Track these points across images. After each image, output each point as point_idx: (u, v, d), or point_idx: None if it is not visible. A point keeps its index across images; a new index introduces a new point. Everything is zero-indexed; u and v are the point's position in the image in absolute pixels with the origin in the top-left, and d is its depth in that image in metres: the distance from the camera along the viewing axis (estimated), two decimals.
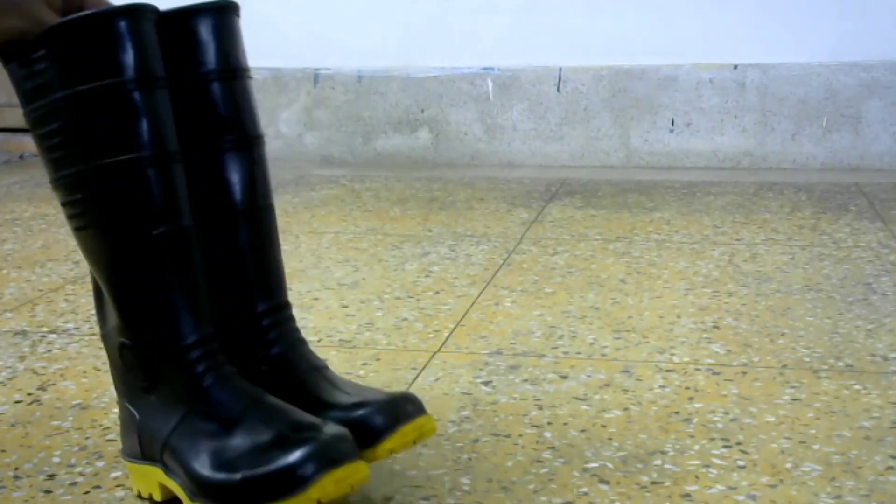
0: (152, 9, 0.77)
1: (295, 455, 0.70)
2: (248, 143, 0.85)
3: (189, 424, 0.77)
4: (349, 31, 2.55)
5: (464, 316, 1.32)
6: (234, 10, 0.85)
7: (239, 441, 0.74)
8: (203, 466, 0.74)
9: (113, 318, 0.81)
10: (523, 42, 2.45)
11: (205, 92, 0.83)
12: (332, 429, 0.74)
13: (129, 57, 0.75)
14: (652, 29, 2.38)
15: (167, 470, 0.79)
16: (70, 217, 0.79)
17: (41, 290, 1.48)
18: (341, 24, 2.55)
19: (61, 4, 0.78)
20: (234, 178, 0.85)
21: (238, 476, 0.72)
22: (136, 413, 0.82)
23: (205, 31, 0.83)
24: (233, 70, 0.84)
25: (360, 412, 0.80)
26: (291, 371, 0.85)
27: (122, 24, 0.74)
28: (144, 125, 0.75)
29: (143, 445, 0.81)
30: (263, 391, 0.79)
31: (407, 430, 0.80)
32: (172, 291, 0.77)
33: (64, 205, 0.78)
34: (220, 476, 0.73)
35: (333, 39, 2.56)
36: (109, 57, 0.74)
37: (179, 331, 0.78)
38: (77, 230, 0.79)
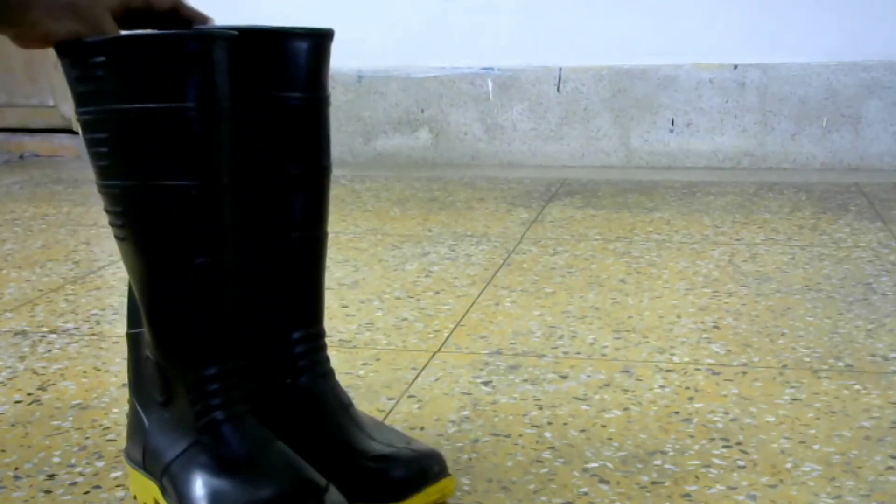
0: (228, 35, 0.74)
1: None
2: (320, 172, 0.84)
3: (193, 455, 0.76)
4: (349, 31, 2.55)
5: (464, 316, 1.32)
6: (330, 37, 0.84)
7: (238, 488, 0.74)
8: None
9: (144, 326, 0.80)
10: (523, 42, 2.45)
11: (291, 117, 0.82)
12: (332, 497, 0.73)
13: (196, 84, 0.72)
14: (652, 29, 2.38)
15: (164, 492, 0.79)
16: (111, 224, 0.77)
17: (41, 290, 1.48)
18: (341, 24, 2.55)
19: (121, 10, 0.76)
20: (301, 206, 0.83)
21: None
22: (146, 421, 0.81)
23: (301, 55, 0.82)
24: (321, 99, 0.83)
25: (388, 466, 0.80)
26: (318, 405, 0.85)
27: (195, 48, 0.72)
28: (202, 154, 0.73)
29: (147, 458, 0.81)
30: (273, 436, 0.79)
31: (431, 491, 0.81)
32: (202, 321, 0.76)
33: (106, 211, 0.77)
34: None
35: (333, 39, 2.56)
36: (176, 80, 0.72)
37: (201, 360, 0.77)
38: (117, 238, 0.78)
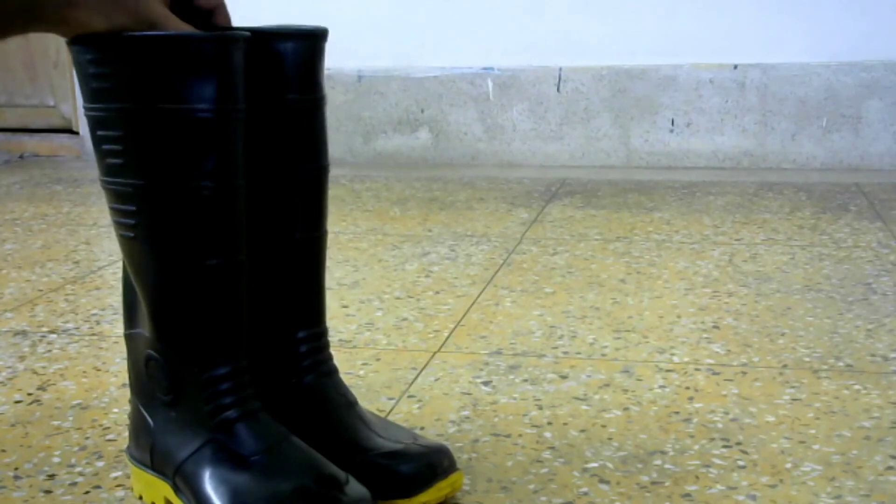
0: (244, 37, 0.73)
1: None
2: (319, 172, 0.84)
3: (208, 453, 0.76)
4: (349, 31, 2.55)
5: (464, 316, 1.32)
6: (324, 37, 0.83)
7: (258, 483, 0.73)
8: (219, 502, 0.74)
9: (144, 326, 0.79)
10: (523, 42, 2.46)
11: (289, 118, 0.82)
12: (354, 490, 0.73)
13: (212, 86, 0.71)
14: (652, 29, 2.38)
15: (177, 490, 0.78)
16: (118, 223, 0.76)
17: (41, 290, 1.48)
18: (341, 24, 2.55)
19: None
20: (301, 206, 0.83)
21: None
22: (150, 421, 0.81)
23: (295, 56, 0.81)
24: (317, 99, 0.83)
25: (396, 462, 0.80)
26: (323, 404, 0.85)
27: (211, 51, 0.71)
28: (217, 156, 0.73)
29: (155, 457, 0.80)
30: (287, 431, 0.78)
31: (442, 486, 0.81)
32: (215, 321, 0.75)
33: (113, 209, 0.76)
34: None
35: (333, 39, 2.55)
36: (192, 82, 0.71)
37: (214, 359, 0.76)
38: (123, 237, 0.76)
